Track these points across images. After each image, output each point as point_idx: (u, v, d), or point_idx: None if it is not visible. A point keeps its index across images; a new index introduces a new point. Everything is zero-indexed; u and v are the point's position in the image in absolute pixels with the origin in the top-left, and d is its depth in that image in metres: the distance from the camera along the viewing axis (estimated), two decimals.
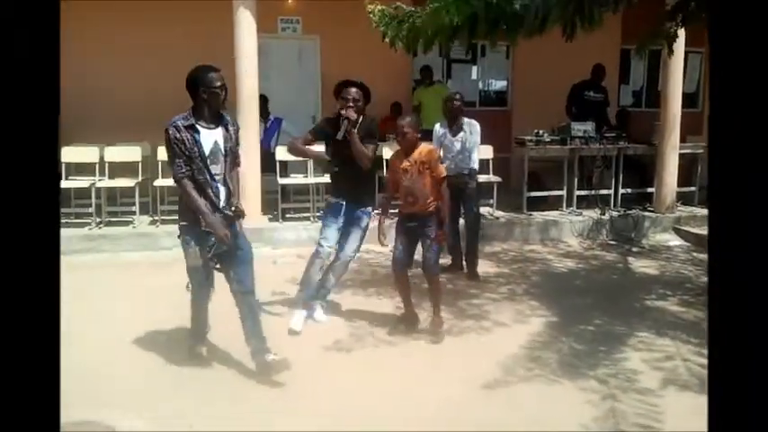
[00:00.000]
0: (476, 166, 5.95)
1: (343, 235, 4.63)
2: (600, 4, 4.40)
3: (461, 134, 5.86)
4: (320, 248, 4.56)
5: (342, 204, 4.58)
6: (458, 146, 5.84)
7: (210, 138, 3.61)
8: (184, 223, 3.69)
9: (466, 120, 5.92)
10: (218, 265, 3.78)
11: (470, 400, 3.58)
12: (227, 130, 3.68)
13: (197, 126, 3.57)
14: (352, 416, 3.35)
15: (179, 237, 3.72)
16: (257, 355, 3.75)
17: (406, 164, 4.36)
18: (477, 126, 5.91)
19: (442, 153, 5.68)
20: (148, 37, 8.14)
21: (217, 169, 3.64)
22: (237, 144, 3.80)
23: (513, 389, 3.72)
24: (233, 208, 3.75)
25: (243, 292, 3.77)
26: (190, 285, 3.79)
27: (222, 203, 3.68)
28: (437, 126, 6.01)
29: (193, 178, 3.58)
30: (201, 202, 3.56)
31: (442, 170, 4.44)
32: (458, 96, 6.06)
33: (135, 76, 8.11)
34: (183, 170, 3.56)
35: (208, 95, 3.55)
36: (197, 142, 3.55)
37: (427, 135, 8.71)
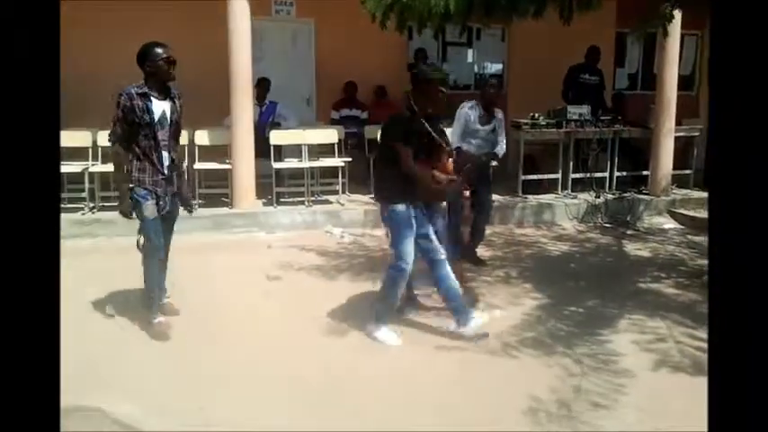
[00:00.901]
0: (501, 152, 5.76)
1: (423, 239, 4.13)
2: None
3: (493, 122, 5.64)
4: (406, 267, 4.04)
5: (414, 209, 4.04)
6: (484, 134, 5.61)
7: (159, 107, 4.03)
8: (132, 185, 4.05)
9: (497, 110, 5.71)
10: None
11: (439, 375, 3.67)
12: (173, 101, 4.12)
13: (150, 95, 3.99)
14: (344, 394, 3.39)
15: (131, 197, 4.05)
16: (148, 303, 4.24)
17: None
18: (501, 114, 5.76)
19: (460, 131, 5.51)
20: (141, 19, 8.05)
21: (162, 136, 4.05)
22: (181, 116, 4.20)
23: (486, 366, 3.78)
24: (176, 172, 4.23)
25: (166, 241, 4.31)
26: (142, 240, 4.14)
27: (165, 167, 4.10)
28: (470, 105, 5.62)
29: (139, 143, 4.00)
30: (122, 175, 4.07)
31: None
32: (494, 82, 5.84)
33: (127, 59, 7.97)
34: (120, 134, 3.99)
35: (153, 68, 3.98)
36: (148, 109, 3.98)
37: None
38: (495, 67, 10.65)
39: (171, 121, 4.09)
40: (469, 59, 10.48)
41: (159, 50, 3.99)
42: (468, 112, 5.57)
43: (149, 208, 4.05)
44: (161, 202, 4.12)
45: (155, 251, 4.14)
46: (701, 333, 4.14)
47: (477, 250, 5.98)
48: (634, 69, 11.16)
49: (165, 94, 4.07)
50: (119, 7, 8.01)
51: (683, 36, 8.17)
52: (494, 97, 5.68)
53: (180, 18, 8.01)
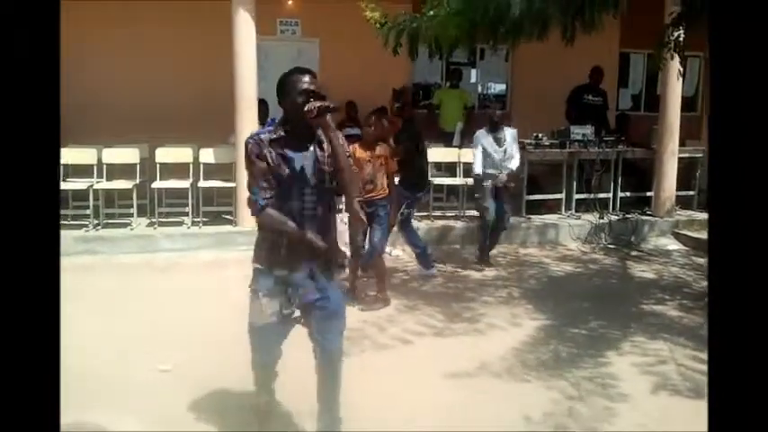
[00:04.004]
0: (515, 166, 6.46)
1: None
2: (599, 8, 4.40)
3: (504, 144, 6.29)
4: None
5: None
6: (501, 155, 6.28)
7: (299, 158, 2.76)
8: (258, 266, 2.87)
9: (506, 129, 6.37)
10: (301, 320, 2.94)
11: (438, 396, 3.64)
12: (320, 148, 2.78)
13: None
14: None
15: (250, 286, 2.89)
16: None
17: (368, 155, 5.08)
18: (514, 132, 6.48)
19: (481, 156, 6.24)
20: (147, 38, 8.13)
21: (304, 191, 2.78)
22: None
23: (486, 388, 3.76)
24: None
25: (324, 351, 2.93)
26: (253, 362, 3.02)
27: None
28: (481, 132, 6.33)
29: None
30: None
31: (393, 166, 5.26)
32: (496, 106, 6.71)
33: (133, 77, 8.11)
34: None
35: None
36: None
37: (444, 137, 8.81)
38: (498, 88, 10.71)
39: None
40: (473, 80, 10.54)
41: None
42: (483, 140, 6.24)
43: (261, 307, 2.83)
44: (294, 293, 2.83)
45: (263, 373, 3.03)
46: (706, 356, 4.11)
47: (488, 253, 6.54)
48: (637, 90, 11.21)
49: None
50: (125, 24, 8.09)
51: (686, 57, 8.18)
52: (499, 120, 6.33)
53: (186, 38, 8.09)
